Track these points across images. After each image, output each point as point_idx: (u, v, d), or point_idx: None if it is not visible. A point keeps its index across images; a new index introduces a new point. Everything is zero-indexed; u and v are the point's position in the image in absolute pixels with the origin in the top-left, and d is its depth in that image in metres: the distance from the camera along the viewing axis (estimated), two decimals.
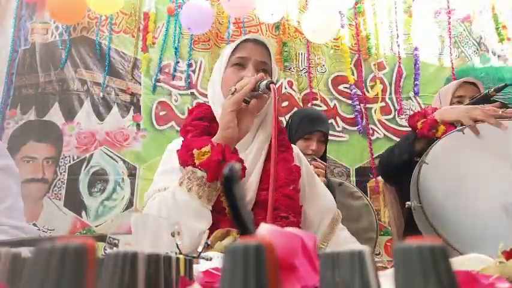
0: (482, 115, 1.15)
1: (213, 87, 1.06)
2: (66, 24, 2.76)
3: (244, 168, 0.87)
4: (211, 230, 0.81)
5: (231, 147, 0.87)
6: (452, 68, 2.72)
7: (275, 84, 0.88)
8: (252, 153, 0.98)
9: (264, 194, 0.93)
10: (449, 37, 2.79)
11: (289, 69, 2.75)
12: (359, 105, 2.66)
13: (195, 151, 0.84)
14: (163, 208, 0.84)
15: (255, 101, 0.90)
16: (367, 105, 2.70)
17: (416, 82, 2.70)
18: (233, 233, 0.64)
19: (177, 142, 1.01)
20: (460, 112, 1.24)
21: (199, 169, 0.83)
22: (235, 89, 0.87)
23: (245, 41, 1.05)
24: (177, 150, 0.90)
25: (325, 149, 1.71)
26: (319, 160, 1.55)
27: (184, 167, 0.87)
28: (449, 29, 2.80)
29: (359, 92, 2.72)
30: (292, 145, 1.17)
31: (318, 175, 1.25)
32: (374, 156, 2.58)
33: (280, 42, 2.78)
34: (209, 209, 0.86)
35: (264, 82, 0.87)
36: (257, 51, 1.02)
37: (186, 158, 0.85)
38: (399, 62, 2.76)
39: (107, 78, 2.72)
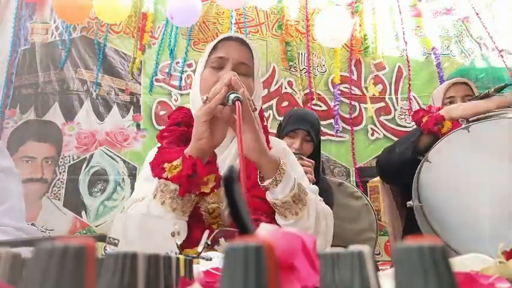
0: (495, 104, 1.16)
1: (193, 88, 1.01)
2: (67, 24, 2.76)
3: (219, 177, 0.83)
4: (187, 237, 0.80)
5: (205, 158, 0.83)
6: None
7: (241, 101, 0.77)
8: (230, 157, 0.95)
9: None
10: (472, 35, 2.77)
11: (289, 69, 2.75)
12: (338, 105, 2.65)
13: (166, 164, 0.81)
14: None
15: (227, 110, 0.80)
16: (366, 106, 2.70)
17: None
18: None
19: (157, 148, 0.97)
20: (471, 105, 1.23)
21: (172, 182, 0.80)
22: (207, 97, 0.81)
23: (226, 39, 0.97)
24: (150, 162, 0.87)
25: (316, 148, 1.69)
26: (306, 158, 1.55)
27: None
28: (468, 28, 2.78)
29: (356, 92, 2.72)
30: (279, 140, 1.15)
31: (306, 173, 1.25)
32: (373, 157, 2.58)
33: (283, 42, 2.78)
34: (185, 219, 0.84)
35: (232, 96, 0.78)
36: (237, 51, 0.95)
37: (157, 171, 0.82)
38: (408, 61, 2.75)
39: (107, 78, 2.72)
